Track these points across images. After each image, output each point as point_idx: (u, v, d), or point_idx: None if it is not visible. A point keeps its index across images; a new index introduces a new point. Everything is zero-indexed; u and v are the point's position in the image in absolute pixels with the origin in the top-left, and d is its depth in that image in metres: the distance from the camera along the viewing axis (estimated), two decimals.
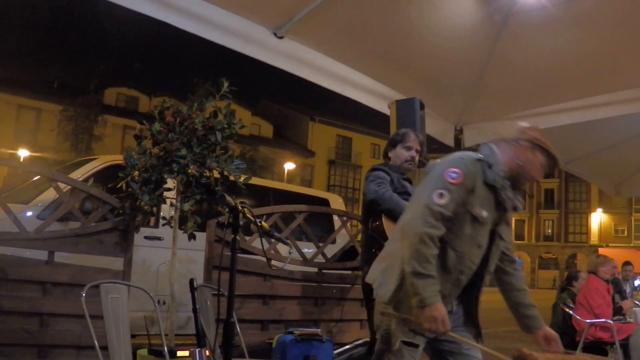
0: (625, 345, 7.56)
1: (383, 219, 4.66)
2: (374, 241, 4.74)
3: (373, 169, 5.05)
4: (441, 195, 3.05)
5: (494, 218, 3.27)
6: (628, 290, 10.12)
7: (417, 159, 5.12)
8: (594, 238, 65.48)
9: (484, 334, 3.46)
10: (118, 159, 6.83)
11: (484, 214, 3.17)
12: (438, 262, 3.06)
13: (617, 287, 8.98)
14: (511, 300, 3.49)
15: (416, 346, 3.19)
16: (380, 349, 3.29)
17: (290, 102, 60.82)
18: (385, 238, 4.53)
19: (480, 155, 3.25)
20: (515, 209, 3.32)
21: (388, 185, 4.81)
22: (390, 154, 5.15)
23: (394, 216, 4.56)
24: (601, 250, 44.00)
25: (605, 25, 5.68)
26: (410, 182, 5.14)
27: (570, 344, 7.29)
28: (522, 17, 5.81)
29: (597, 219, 65.69)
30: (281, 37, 5.68)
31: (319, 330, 6.17)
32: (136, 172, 5.53)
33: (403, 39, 6.14)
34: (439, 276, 3.07)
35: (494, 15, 5.80)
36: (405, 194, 4.88)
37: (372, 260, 4.64)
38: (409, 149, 5.06)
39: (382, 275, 3.26)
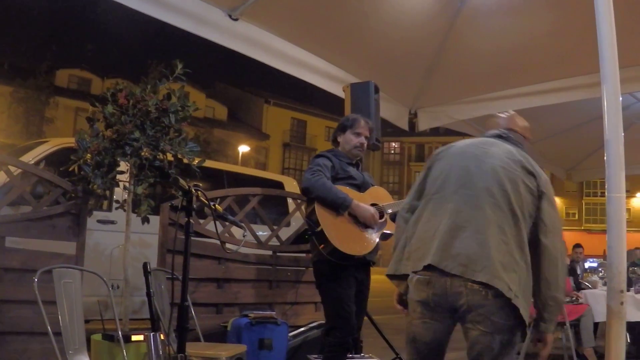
0: (575, 326, 7.71)
1: (316, 206, 4.66)
2: (309, 227, 4.80)
3: (316, 156, 5.07)
4: None
5: None
6: (578, 271, 10.28)
7: (365, 145, 5.15)
8: None
9: None
10: (70, 141, 6.74)
11: None
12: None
13: (571, 271, 9.19)
14: None
15: None
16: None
17: (245, 85, 60.35)
18: (318, 225, 4.61)
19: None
20: None
21: (325, 172, 4.79)
22: (339, 139, 5.16)
23: (325, 203, 4.65)
24: None
25: (560, 12, 5.75)
26: (358, 167, 5.19)
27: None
28: (477, 2, 5.85)
29: None
30: (236, 19, 5.66)
31: (274, 313, 6.19)
32: (88, 155, 5.46)
33: (358, 22, 6.15)
34: None
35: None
36: (349, 179, 4.93)
37: (314, 246, 4.76)
38: (358, 135, 5.08)
39: (520, 289, 2.87)
